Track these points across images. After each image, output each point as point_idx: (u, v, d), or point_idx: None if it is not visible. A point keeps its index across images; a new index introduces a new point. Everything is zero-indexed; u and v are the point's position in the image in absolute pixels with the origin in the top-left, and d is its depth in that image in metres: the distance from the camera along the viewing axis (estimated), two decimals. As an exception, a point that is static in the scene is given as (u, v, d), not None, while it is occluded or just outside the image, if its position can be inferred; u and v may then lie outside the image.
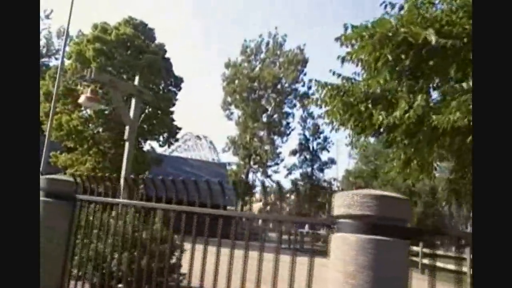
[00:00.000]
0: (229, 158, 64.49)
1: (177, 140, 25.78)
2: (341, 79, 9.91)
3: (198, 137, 56.93)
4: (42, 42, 44.51)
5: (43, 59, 44.23)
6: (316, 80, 9.94)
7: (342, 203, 2.21)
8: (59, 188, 3.76)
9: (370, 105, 8.81)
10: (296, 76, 48.22)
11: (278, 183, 3.49)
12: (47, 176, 3.80)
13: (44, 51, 44.37)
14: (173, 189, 3.27)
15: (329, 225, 2.40)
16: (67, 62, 24.34)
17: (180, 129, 25.49)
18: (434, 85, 8.50)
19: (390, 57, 8.21)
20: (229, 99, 48.19)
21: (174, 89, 26.13)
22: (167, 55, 25.63)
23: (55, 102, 18.66)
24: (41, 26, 43.72)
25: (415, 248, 15.82)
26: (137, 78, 7.51)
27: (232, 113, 48.76)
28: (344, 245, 2.15)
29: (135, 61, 22.94)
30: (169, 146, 25.90)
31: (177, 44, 75.61)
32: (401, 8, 8.45)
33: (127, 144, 7.32)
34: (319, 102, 9.98)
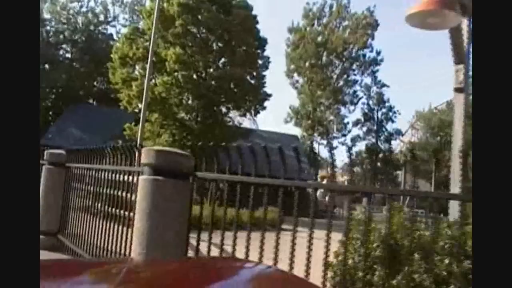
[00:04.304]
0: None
1: (264, 108, 23.01)
2: None
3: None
4: (99, 9, 42.35)
5: (101, 27, 42.18)
6: None
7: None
8: None
9: None
10: (366, 41, 44.60)
11: (349, 148, 2.74)
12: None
13: (102, 18, 42.20)
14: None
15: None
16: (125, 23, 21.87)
17: (270, 95, 22.71)
18: None
19: None
20: (293, 66, 45.05)
21: (259, 51, 23.26)
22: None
23: (150, 68, 16.08)
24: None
25: None
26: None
27: (297, 81, 45.68)
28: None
29: (225, 18, 20.20)
30: (255, 115, 23.20)
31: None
32: None
33: (460, 97, 4.28)
34: None
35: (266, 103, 22.80)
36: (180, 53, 19.60)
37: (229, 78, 19.95)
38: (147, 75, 15.99)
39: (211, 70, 21.15)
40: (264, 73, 22.44)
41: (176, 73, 20.00)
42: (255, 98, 21.60)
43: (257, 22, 22.55)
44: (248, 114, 24.30)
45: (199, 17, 20.21)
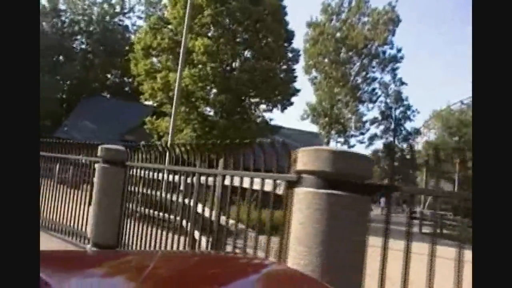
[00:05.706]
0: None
1: (291, 104, 21.86)
2: None
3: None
4: (115, 0, 41.43)
5: (117, 18, 41.30)
6: None
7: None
8: None
9: None
10: (387, 37, 43.40)
11: (410, 145, 1.16)
12: None
13: (118, 9, 41.28)
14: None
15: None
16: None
17: (299, 91, 21.64)
18: None
19: None
20: (311, 62, 43.88)
21: (286, 44, 22.18)
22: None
23: (183, 59, 15.04)
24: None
25: None
26: None
27: (316, 77, 44.55)
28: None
29: (254, 8, 19.16)
30: (282, 111, 22.09)
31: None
32: None
33: None
34: None
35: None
36: (209, 44, 18.59)
37: (259, 71, 18.89)
38: (179, 66, 15.02)
39: (239, 62, 20.13)
40: (294, 66, 21.41)
41: (202, 65, 18.97)
42: (284, 93, 20.56)
43: (286, 14, 21.53)
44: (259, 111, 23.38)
45: (228, 6, 19.18)
